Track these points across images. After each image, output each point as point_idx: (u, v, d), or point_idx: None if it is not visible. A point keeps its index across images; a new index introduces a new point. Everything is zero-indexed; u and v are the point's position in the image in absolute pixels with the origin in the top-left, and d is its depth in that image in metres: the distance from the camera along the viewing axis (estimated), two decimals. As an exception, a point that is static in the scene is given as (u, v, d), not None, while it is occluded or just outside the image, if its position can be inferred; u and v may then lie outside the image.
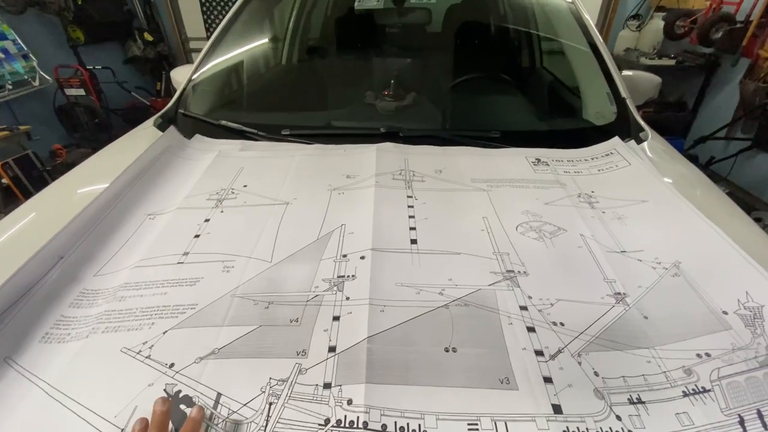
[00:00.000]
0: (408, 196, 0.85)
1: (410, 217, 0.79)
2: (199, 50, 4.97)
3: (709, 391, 0.51)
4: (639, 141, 1.09)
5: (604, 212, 0.83)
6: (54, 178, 2.76)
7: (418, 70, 1.39)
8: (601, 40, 1.34)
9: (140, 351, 0.56)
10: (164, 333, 0.58)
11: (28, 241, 0.75)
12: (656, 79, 1.51)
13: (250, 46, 1.53)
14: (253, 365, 0.52)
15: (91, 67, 3.38)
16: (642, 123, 1.17)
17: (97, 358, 0.56)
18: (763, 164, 2.92)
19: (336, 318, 0.58)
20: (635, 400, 0.51)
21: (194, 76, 1.38)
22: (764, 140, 2.83)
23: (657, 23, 3.60)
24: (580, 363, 0.54)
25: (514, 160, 1.00)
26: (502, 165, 0.98)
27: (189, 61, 4.71)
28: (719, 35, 2.99)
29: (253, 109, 1.35)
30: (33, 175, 2.66)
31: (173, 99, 1.35)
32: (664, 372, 0.54)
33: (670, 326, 0.60)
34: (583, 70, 1.33)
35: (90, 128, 3.40)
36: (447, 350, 0.54)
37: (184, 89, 1.36)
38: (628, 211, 0.82)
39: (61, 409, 0.50)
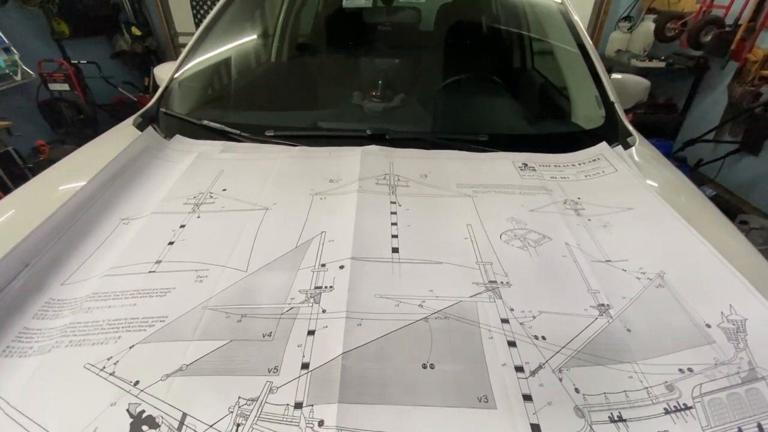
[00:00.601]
0: (391, 202, 0.83)
1: (393, 224, 0.77)
2: (188, 46, 4.74)
3: (690, 408, 0.50)
4: (626, 146, 1.08)
5: (589, 220, 0.82)
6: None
7: (406, 70, 1.37)
8: (591, 43, 1.33)
9: (104, 367, 0.53)
10: (131, 348, 0.55)
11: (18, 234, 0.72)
12: (645, 83, 1.50)
13: (236, 44, 1.50)
14: (222, 383, 0.50)
15: (76, 62, 3.30)
16: (630, 128, 1.16)
17: (59, 374, 0.53)
18: (750, 166, 2.95)
19: (311, 332, 0.56)
20: (616, 418, 0.49)
21: (177, 74, 1.34)
22: (751, 143, 2.86)
23: (648, 25, 3.62)
24: (561, 379, 0.53)
25: (501, 164, 0.98)
26: (489, 170, 0.96)
27: (178, 56, 4.63)
28: (708, 38, 3.01)
29: (236, 108, 1.32)
30: (14, 173, 2.59)
31: (155, 97, 1.32)
32: (646, 388, 0.53)
33: (653, 340, 0.59)
34: (572, 73, 1.32)
35: (75, 124, 3.33)
36: (425, 366, 0.52)
37: (167, 87, 1.33)
38: (613, 219, 0.81)
39: (16, 428, 0.47)
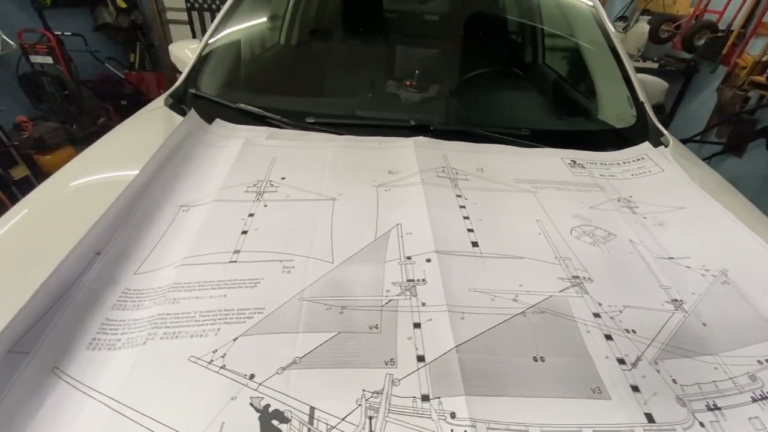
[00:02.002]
0: (457, 196, 0.83)
1: (465, 218, 0.77)
2: (177, 22, 4.64)
3: (775, 396, 0.54)
4: (661, 146, 1.12)
5: (645, 218, 0.85)
6: (22, 154, 2.52)
7: (441, 60, 1.36)
8: (621, 43, 1.37)
9: (212, 360, 0.51)
10: (234, 340, 0.54)
11: (56, 234, 0.68)
12: (663, 84, 1.55)
13: (265, 21, 1.44)
14: (342, 376, 0.50)
15: (60, 33, 3.08)
16: (661, 128, 1.20)
17: (162, 367, 0.51)
18: (732, 167, 3.11)
19: (417, 325, 0.56)
20: (712, 407, 0.52)
21: (204, 52, 1.29)
22: (736, 145, 3.02)
23: (642, 26, 3.71)
24: (658, 371, 0.55)
25: (551, 160, 1.00)
26: (540, 165, 0.98)
27: (165, 33, 4.41)
28: (702, 42, 3.13)
29: (270, 92, 1.27)
30: (-3, 151, 2.42)
31: (182, 77, 1.26)
32: (731, 378, 0.56)
33: (728, 333, 0.62)
34: (604, 72, 1.35)
35: (58, 100, 3.13)
36: (536, 360, 0.53)
37: (194, 67, 1.27)
38: (667, 218, 0.85)
39: (132, 426, 0.46)
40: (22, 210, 0.76)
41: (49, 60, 2.98)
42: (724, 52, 3.03)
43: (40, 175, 2.57)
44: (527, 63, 1.49)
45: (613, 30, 1.38)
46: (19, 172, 2.35)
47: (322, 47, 1.50)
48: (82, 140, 3.24)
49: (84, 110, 3.26)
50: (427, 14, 1.59)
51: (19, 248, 0.69)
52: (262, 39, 1.42)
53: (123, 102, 3.76)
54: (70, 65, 3.18)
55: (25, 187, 2.37)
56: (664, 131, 1.19)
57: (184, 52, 1.50)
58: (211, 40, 1.29)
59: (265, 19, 1.45)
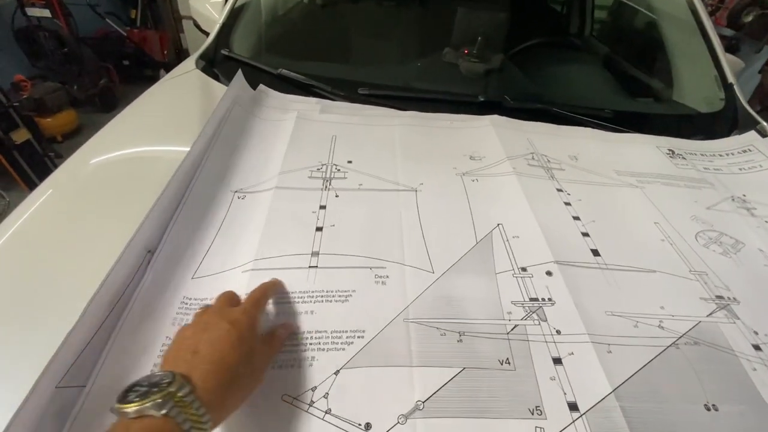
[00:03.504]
0: (558, 190, 0.71)
1: (575, 218, 0.65)
2: (179, -26, 4.20)
3: None
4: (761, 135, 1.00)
5: (767, 221, 0.73)
6: (23, 116, 2.33)
7: (503, 25, 1.20)
8: (708, 17, 1.21)
9: (312, 401, 0.41)
10: (336, 374, 0.43)
11: (90, 220, 0.57)
12: (740, 63, 1.40)
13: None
14: (480, 429, 0.40)
15: (57, -17, 2.83)
16: (755, 114, 1.07)
17: (249, 408, 0.41)
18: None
19: (557, 360, 0.46)
20: None
21: (237, 4, 1.13)
22: (775, 132, 2.88)
23: (682, -2, 3.47)
24: (843, 422, 0.45)
25: (646, 149, 0.87)
26: (637, 154, 0.85)
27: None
28: (750, 18, 2.92)
29: (311, 57, 1.12)
30: (-6, 111, 2.24)
31: (212, 35, 1.10)
32: None
33: None
34: (685, 47, 1.20)
35: (56, 58, 2.91)
36: (708, 408, 0.43)
37: (225, 23, 1.11)
38: (793, 222, 0.73)
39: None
40: (47, 190, 0.64)
41: (47, 13, 2.74)
42: (774, 30, 2.84)
43: (42, 139, 2.40)
44: (593, 35, 1.33)
45: (702, 4, 1.21)
46: (21, 135, 2.18)
47: (367, 6, 1.33)
48: (83, 102, 3.05)
49: (84, 69, 3.04)
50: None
51: (50, 236, 0.57)
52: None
53: (125, 62, 3.53)
54: (69, 20, 2.93)
55: (28, 151, 2.21)
56: (759, 118, 1.06)
57: (206, 6, 1.34)
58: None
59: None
